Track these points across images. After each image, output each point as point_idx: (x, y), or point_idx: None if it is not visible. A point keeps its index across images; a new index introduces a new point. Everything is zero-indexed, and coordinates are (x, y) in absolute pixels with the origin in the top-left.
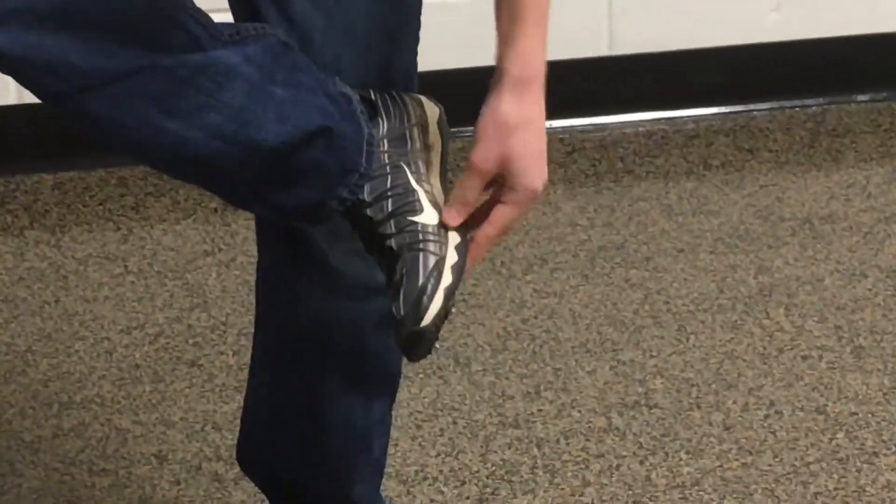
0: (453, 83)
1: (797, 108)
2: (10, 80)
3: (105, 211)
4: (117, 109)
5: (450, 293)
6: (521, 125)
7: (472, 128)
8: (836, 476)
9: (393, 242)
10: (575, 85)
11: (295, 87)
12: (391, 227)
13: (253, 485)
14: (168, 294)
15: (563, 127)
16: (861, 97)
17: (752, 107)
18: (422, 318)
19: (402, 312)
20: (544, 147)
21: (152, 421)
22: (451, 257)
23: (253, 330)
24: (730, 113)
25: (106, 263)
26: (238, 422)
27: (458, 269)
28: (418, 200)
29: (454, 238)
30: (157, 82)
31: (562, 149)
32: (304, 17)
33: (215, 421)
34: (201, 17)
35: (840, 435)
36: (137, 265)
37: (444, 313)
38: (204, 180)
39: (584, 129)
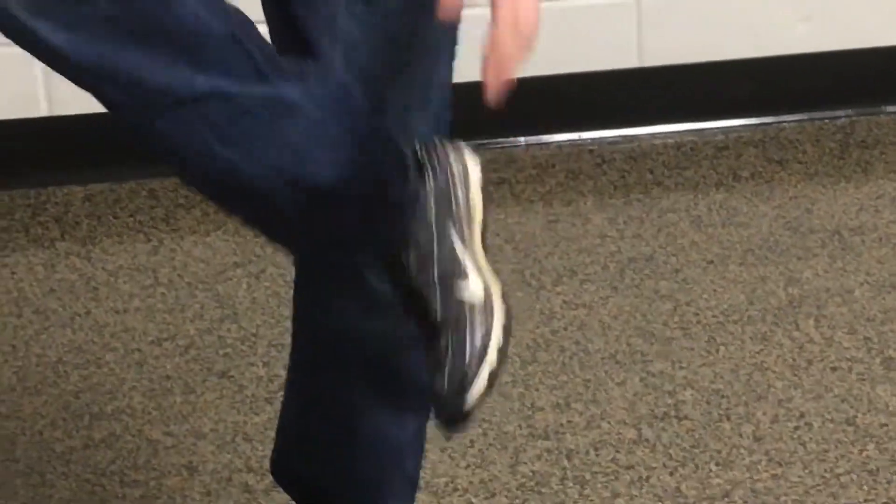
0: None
1: (826, 120)
2: (41, 92)
3: (135, 223)
4: (176, 130)
5: (493, 377)
6: None
7: (500, 140)
8: (866, 488)
9: (438, 314)
10: (605, 97)
11: (351, 132)
12: (437, 295)
13: (283, 496)
14: (198, 305)
15: (592, 138)
16: (890, 108)
17: (781, 118)
18: (464, 403)
19: (444, 391)
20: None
21: (183, 432)
22: (497, 338)
23: (282, 341)
24: (759, 124)
25: (136, 275)
26: (268, 433)
27: (503, 352)
28: (465, 268)
29: (500, 318)
30: (220, 110)
31: (591, 160)
32: (348, 33)
33: (246, 432)
34: (267, 49)
35: (870, 446)
36: (168, 277)
37: (486, 395)
38: (247, 212)
39: (613, 141)
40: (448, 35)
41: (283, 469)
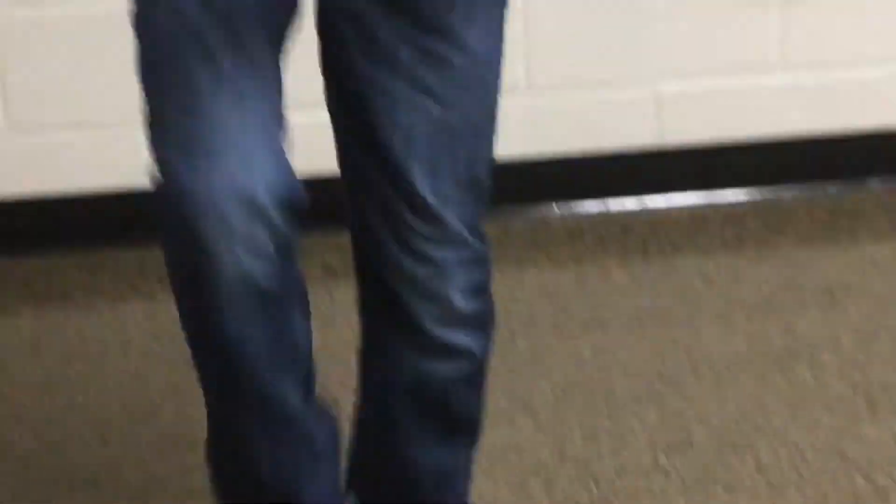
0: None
1: (819, 193)
2: (142, 163)
3: None
4: (226, 414)
5: None
6: None
7: (536, 208)
8: None
9: None
10: (628, 171)
11: (335, 481)
12: None
13: None
14: None
15: (618, 210)
16: (874, 184)
17: (780, 191)
18: None
19: None
20: None
21: None
22: None
23: (348, 381)
24: (761, 197)
25: None
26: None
27: None
28: None
29: None
30: (253, 412)
31: (616, 226)
32: (408, 121)
33: None
34: (313, 374)
35: (857, 476)
36: None
37: None
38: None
39: (634, 210)
40: (490, 113)
41: (357, 491)
